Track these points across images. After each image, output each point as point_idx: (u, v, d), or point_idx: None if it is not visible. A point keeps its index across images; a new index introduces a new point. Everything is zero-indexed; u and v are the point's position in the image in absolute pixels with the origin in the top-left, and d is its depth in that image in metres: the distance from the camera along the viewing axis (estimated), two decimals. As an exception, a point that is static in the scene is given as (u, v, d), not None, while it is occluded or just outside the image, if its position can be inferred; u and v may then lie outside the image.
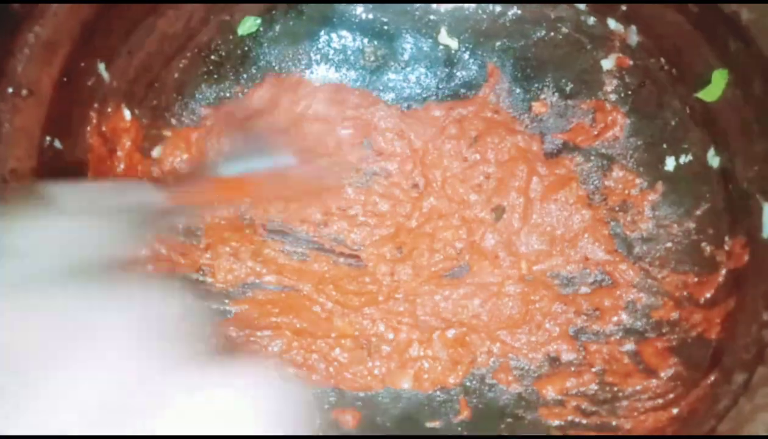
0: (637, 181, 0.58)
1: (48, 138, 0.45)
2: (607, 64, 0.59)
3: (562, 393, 0.53)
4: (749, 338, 0.43)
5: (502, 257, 0.57)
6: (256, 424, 0.26)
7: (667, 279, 0.54)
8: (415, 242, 0.58)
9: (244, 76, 0.60)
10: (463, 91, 0.62)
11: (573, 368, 0.54)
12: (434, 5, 0.61)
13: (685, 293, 0.53)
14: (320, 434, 0.53)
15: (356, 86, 0.61)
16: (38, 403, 0.22)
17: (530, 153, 0.59)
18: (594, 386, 0.52)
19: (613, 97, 0.59)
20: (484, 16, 0.61)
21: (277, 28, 0.61)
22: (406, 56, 0.62)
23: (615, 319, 0.54)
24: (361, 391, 0.55)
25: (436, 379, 0.55)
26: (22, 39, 0.43)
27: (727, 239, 0.50)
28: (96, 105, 0.50)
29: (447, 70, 0.62)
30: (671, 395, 0.48)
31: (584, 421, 0.51)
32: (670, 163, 0.56)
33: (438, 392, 0.55)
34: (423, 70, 0.62)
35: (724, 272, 0.50)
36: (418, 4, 0.61)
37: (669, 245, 0.55)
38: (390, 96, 0.62)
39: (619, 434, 0.49)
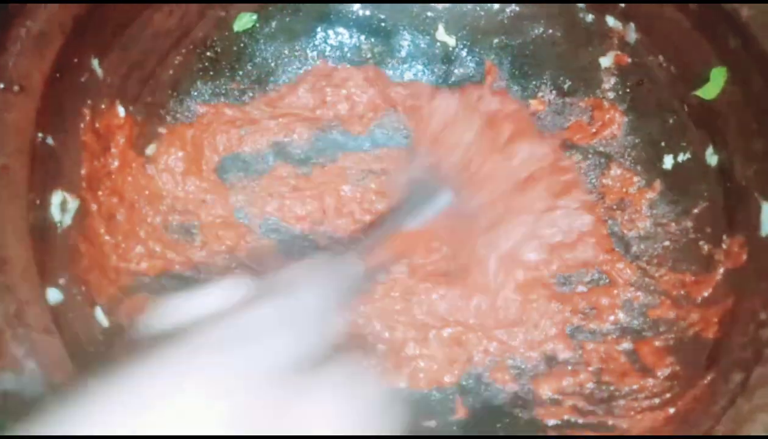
0: (635, 179, 0.57)
1: (40, 135, 0.44)
2: (606, 61, 0.58)
3: (558, 392, 0.52)
4: (747, 337, 0.43)
5: (497, 265, 0.56)
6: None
7: (664, 278, 0.54)
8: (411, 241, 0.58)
9: (240, 72, 0.60)
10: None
11: (569, 367, 0.53)
12: (432, 2, 0.61)
13: (682, 292, 0.52)
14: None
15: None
16: None
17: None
18: (590, 385, 0.52)
19: (611, 94, 0.58)
20: (482, 13, 0.61)
21: (274, 24, 0.60)
22: (403, 53, 0.62)
23: (612, 318, 0.54)
24: (357, 390, 0.55)
25: (432, 378, 0.55)
26: (13, 33, 0.42)
27: (725, 237, 0.50)
28: (89, 101, 0.50)
29: (444, 67, 0.62)
30: (668, 395, 0.48)
31: (581, 420, 0.50)
32: (668, 162, 0.56)
33: (434, 391, 0.55)
34: (420, 67, 0.62)
35: (721, 270, 0.50)
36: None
37: (666, 243, 0.55)
38: (387, 93, 0.62)
39: (616, 433, 0.48)
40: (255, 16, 0.59)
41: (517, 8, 0.60)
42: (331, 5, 0.61)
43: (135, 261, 0.53)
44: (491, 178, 0.56)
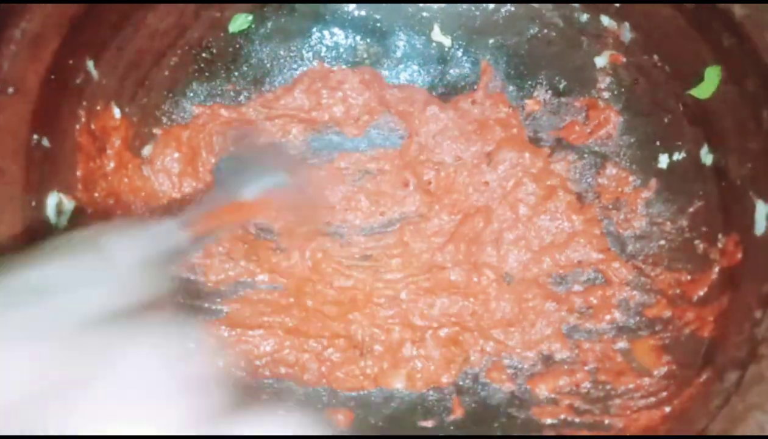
0: (631, 178, 0.57)
1: (35, 136, 0.44)
2: (601, 61, 0.58)
3: (555, 392, 0.52)
4: (742, 336, 0.43)
5: (489, 266, 0.57)
6: None
7: (660, 277, 0.54)
8: (407, 242, 0.58)
9: (236, 73, 0.60)
10: (456, 89, 0.62)
11: (566, 367, 0.53)
12: (427, 2, 0.61)
13: (678, 291, 0.52)
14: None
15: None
16: None
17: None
18: (587, 385, 0.52)
19: (606, 94, 0.59)
20: (477, 13, 0.61)
21: (269, 25, 0.60)
22: (398, 54, 0.62)
23: (608, 317, 0.54)
24: (354, 391, 0.55)
25: (429, 378, 0.55)
26: (7, 35, 0.42)
27: (720, 236, 0.50)
28: (85, 103, 0.50)
29: (440, 67, 0.62)
30: (664, 394, 0.48)
31: (577, 420, 0.51)
32: (663, 161, 0.56)
33: (431, 392, 0.55)
34: (416, 67, 0.62)
35: (717, 269, 0.50)
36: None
37: (662, 242, 0.55)
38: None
39: (612, 433, 0.48)
40: (250, 17, 0.59)
41: (513, 8, 0.60)
42: (327, 6, 0.60)
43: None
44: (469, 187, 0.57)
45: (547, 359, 0.54)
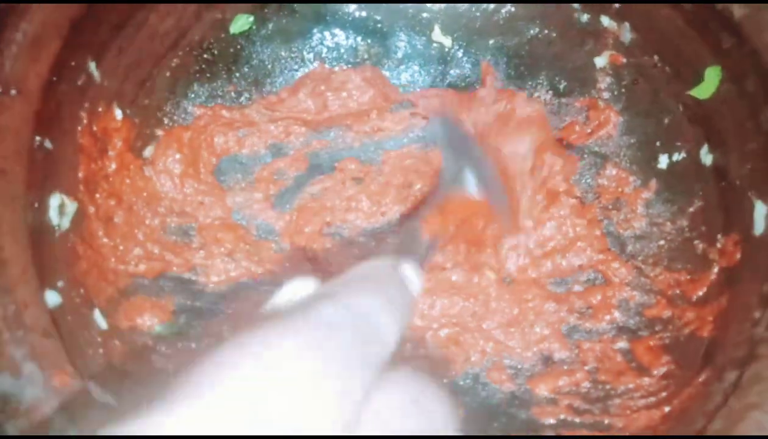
0: (631, 179, 0.57)
1: (38, 138, 0.44)
2: (601, 61, 0.58)
3: (554, 392, 0.53)
4: (741, 335, 0.43)
5: (489, 267, 0.57)
6: None
7: (659, 277, 0.54)
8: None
9: (237, 74, 0.60)
10: (456, 89, 0.62)
11: (566, 367, 0.53)
12: (428, 3, 0.61)
13: (677, 291, 0.53)
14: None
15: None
16: None
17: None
18: (587, 385, 0.52)
19: (606, 94, 0.59)
20: (478, 14, 0.61)
21: (270, 26, 0.60)
22: (399, 54, 0.62)
23: (608, 317, 0.54)
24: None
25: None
26: (9, 36, 0.42)
27: (719, 236, 0.50)
28: (87, 104, 0.50)
29: (441, 68, 0.62)
30: (663, 394, 0.48)
31: (577, 419, 0.51)
32: (663, 161, 0.56)
33: (431, 391, 0.55)
34: (417, 68, 0.62)
35: (716, 269, 0.50)
36: (411, 1, 0.61)
37: (662, 242, 0.55)
38: (383, 94, 0.62)
39: (612, 432, 0.48)
40: (251, 18, 0.59)
41: (513, 9, 0.60)
42: (327, 7, 0.61)
43: (133, 263, 0.54)
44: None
45: (547, 359, 0.54)
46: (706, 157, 0.52)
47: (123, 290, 0.52)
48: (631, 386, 0.51)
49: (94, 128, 0.51)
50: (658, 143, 0.56)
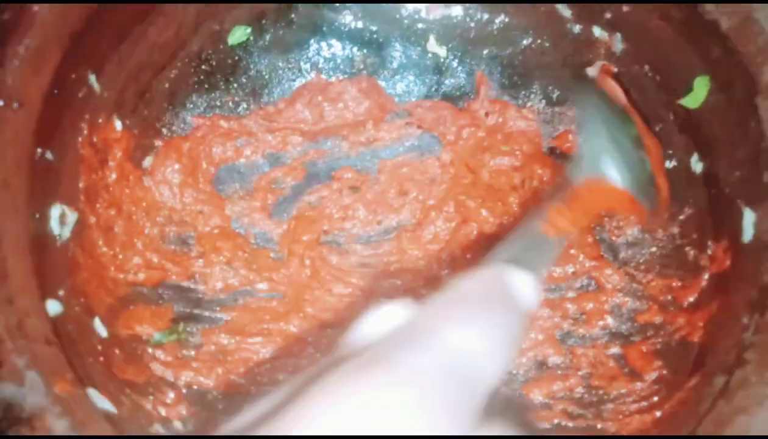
0: (623, 186, 0.58)
1: (39, 150, 0.45)
2: (593, 71, 0.59)
3: (549, 397, 0.53)
4: (730, 341, 0.44)
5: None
6: None
7: (651, 283, 0.55)
8: (404, 250, 0.59)
9: (235, 85, 0.61)
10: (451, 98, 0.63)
11: (560, 372, 0.54)
12: (423, 13, 0.62)
13: (669, 297, 0.53)
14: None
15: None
16: None
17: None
18: (580, 390, 0.53)
19: (598, 103, 0.59)
20: (472, 24, 0.62)
21: (267, 37, 0.61)
22: (395, 64, 0.63)
23: (601, 323, 0.55)
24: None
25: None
26: (11, 51, 0.43)
27: (710, 243, 0.51)
28: (87, 116, 0.51)
29: (436, 77, 0.63)
30: (655, 398, 0.49)
31: (570, 424, 0.51)
32: (654, 169, 0.57)
33: (427, 397, 0.55)
34: (412, 77, 0.63)
35: (706, 276, 0.51)
36: (406, 12, 0.62)
37: (654, 249, 0.56)
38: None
39: (605, 436, 0.49)
40: (249, 30, 0.60)
41: (507, 19, 0.61)
42: (324, 18, 0.62)
43: (133, 272, 0.54)
44: None
45: (541, 365, 0.55)
46: (697, 166, 0.53)
47: (123, 299, 0.53)
48: (623, 390, 0.51)
49: (95, 139, 0.52)
50: (649, 151, 0.57)
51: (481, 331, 0.20)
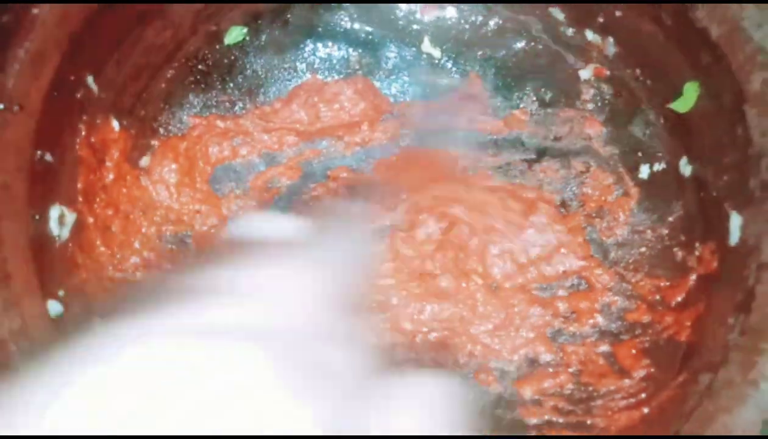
0: (614, 188, 0.59)
1: (39, 152, 0.46)
2: (585, 74, 0.60)
3: (539, 393, 0.55)
4: (716, 341, 0.45)
5: (476, 273, 0.59)
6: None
7: (640, 283, 0.56)
8: (398, 249, 0.60)
9: (231, 85, 0.61)
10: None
11: (550, 369, 0.56)
12: (417, 15, 0.63)
13: (657, 297, 0.55)
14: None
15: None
16: None
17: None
18: (570, 386, 0.54)
19: (590, 106, 0.61)
20: (467, 27, 0.63)
21: (263, 37, 0.62)
22: (390, 65, 0.64)
23: (591, 321, 0.56)
24: (347, 393, 0.57)
25: (419, 380, 0.57)
26: (11, 54, 0.44)
27: (697, 245, 0.52)
28: (85, 117, 0.51)
29: (430, 78, 0.64)
30: (643, 395, 0.51)
31: (561, 420, 0.53)
32: (644, 171, 0.58)
33: (421, 393, 0.56)
34: (407, 78, 0.64)
35: (694, 276, 0.52)
36: (401, 13, 0.63)
37: (643, 250, 0.57)
38: (374, 105, 0.63)
39: (594, 432, 0.51)
40: (245, 30, 0.61)
41: (501, 22, 0.62)
42: (320, 19, 0.62)
43: (130, 271, 0.55)
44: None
45: (532, 362, 0.56)
46: (686, 168, 0.54)
47: (121, 298, 0.53)
48: (612, 387, 0.53)
49: (93, 140, 0.52)
50: (639, 154, 0.58)
51: None
